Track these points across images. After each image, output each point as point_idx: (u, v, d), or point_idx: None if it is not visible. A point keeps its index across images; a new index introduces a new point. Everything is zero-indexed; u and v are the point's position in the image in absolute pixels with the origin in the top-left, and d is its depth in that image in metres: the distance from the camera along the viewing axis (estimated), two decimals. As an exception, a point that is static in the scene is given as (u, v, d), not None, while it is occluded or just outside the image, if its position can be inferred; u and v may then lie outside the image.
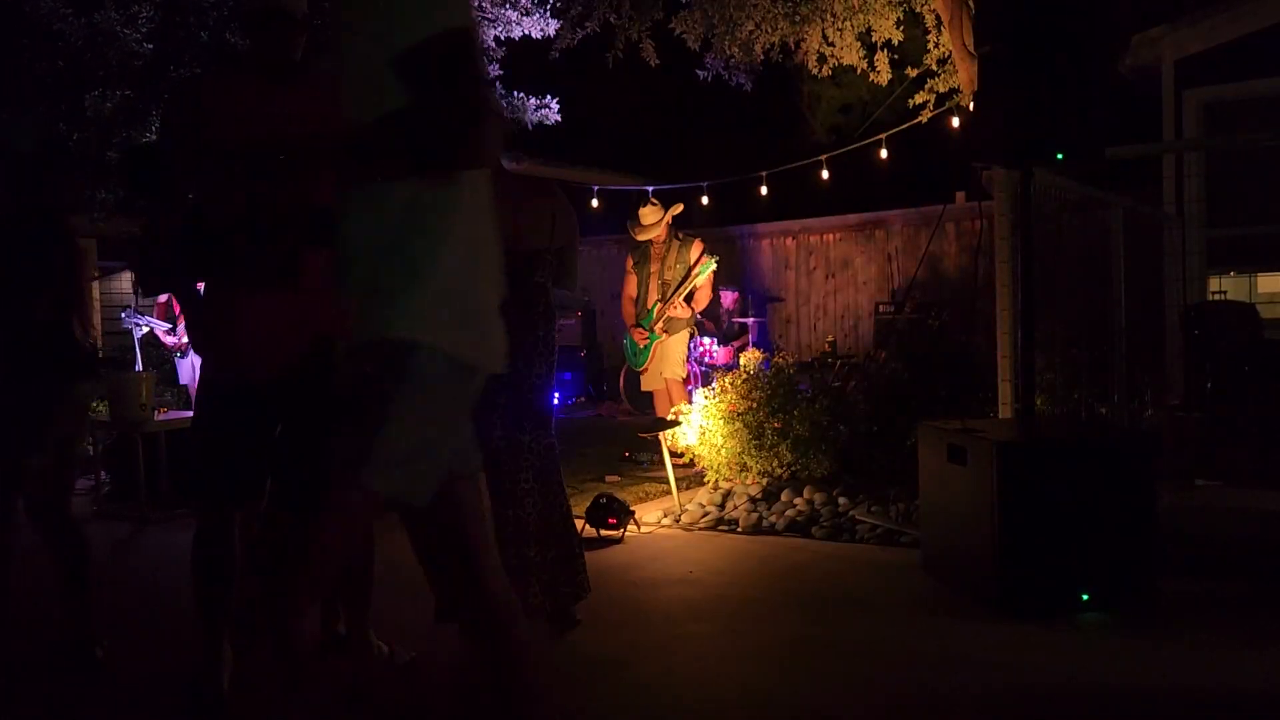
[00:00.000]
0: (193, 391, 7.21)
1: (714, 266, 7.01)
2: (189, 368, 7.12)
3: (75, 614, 3.46)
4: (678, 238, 7.08)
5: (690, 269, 6.93)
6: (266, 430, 3.10)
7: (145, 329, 7.13)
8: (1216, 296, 7.51)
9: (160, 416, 6.10)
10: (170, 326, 7.06)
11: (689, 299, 7.06)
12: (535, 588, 3.54)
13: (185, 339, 7.05)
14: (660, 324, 7.02)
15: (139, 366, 7.12)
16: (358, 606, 3.14)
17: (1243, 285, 8.02)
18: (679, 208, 7.16)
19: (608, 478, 6.56)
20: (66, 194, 3.58)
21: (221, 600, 3.07)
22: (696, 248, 7.02)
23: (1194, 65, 7.98)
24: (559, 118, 9.36)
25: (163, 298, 7.26)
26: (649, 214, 7.05)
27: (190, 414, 6.50)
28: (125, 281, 10.18)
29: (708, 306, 7.62)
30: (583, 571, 3.70)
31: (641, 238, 7.09)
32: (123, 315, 7.07)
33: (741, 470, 5.85)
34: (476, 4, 8.70)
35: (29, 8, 6.89)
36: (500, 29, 8.97)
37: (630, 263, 7.24)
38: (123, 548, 5.38)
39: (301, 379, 3.01)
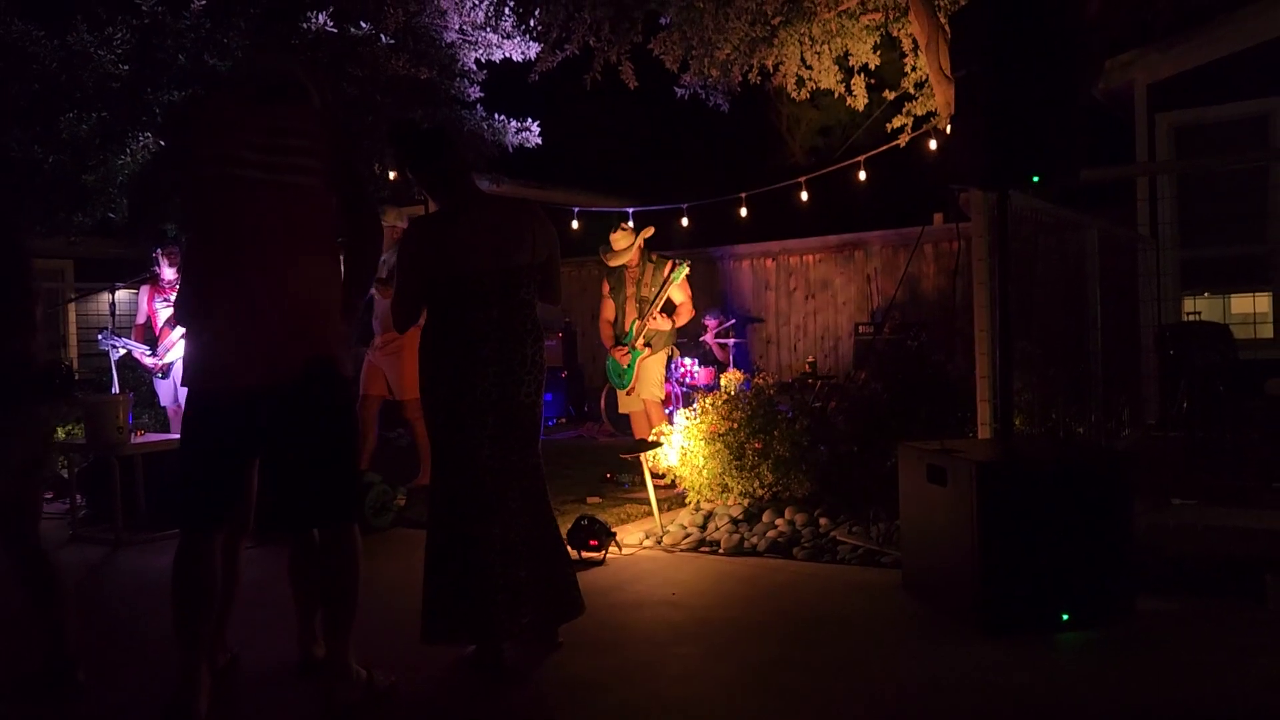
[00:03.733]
0: (171, 414, 7.18)
1: (686, 270, 7.02)
2: (170, 389, 7.07)
3: (50, 639, 3.41)
4: (651, 260, 7.08)
5: (665, 281, 6.95)
6: (251, 451, 3.08)
7: (122, 351, 7.07)
8: (1191, 317, 7.60)
9: (137, 439, 6.04)
10: (149, 349, 7.01)
11: (669, 310, 7.06)
12: (525, 609, 3.52)
13: (165, 360, 6.99)
14: (641, 340, 7.02)
15: (115, 389, 7.05)
16: (339, 631, 3.11)
17: (1216, 306, 8.12)
18: (650, 231, 7.17)
19: (589, 499, 6.54)
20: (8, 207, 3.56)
21: (201, 623, 3.04)
22: (669, 266, 7.03)
23: (1165, 89, 8.12)
24: (539, 140, 9.39)
25: (140, 319, 7.21)
26: (620, 239, 7.05)
27: (168, 436, 6.48)
28: (103, 303, 10.12)
29: (688, 324, 7.63)
30: (575, 589, 3.70)
31: (614, 263, 7.08)
32: (100, 337, 7.02)
33: (723, 491, 5.85)
34: (458, 27, 8.74)
35: (1, 30, 6.86)
36: (481, 52, 8.99)
37: (606, 288, 7.24)
38: (98, 571, 5.32)
39: (293, 397, 3.00)
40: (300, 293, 3.00)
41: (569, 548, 4.95)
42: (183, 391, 6.91)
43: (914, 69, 8.94)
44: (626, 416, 7.58)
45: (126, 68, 7.02)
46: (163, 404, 7.21)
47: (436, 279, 3.51)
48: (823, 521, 5.30)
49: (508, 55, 9.11)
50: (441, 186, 3.62)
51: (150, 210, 3.45)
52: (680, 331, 7.42)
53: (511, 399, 3.53)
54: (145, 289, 7.20)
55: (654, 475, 5.94)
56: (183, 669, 3.01)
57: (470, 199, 3.62)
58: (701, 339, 10.78)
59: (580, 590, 3.73)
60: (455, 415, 3.49)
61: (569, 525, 5.11)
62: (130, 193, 6.91)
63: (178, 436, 3.18)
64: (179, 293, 3.32)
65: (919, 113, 9.23)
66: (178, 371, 7.02)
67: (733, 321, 10.97)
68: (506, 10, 8.85)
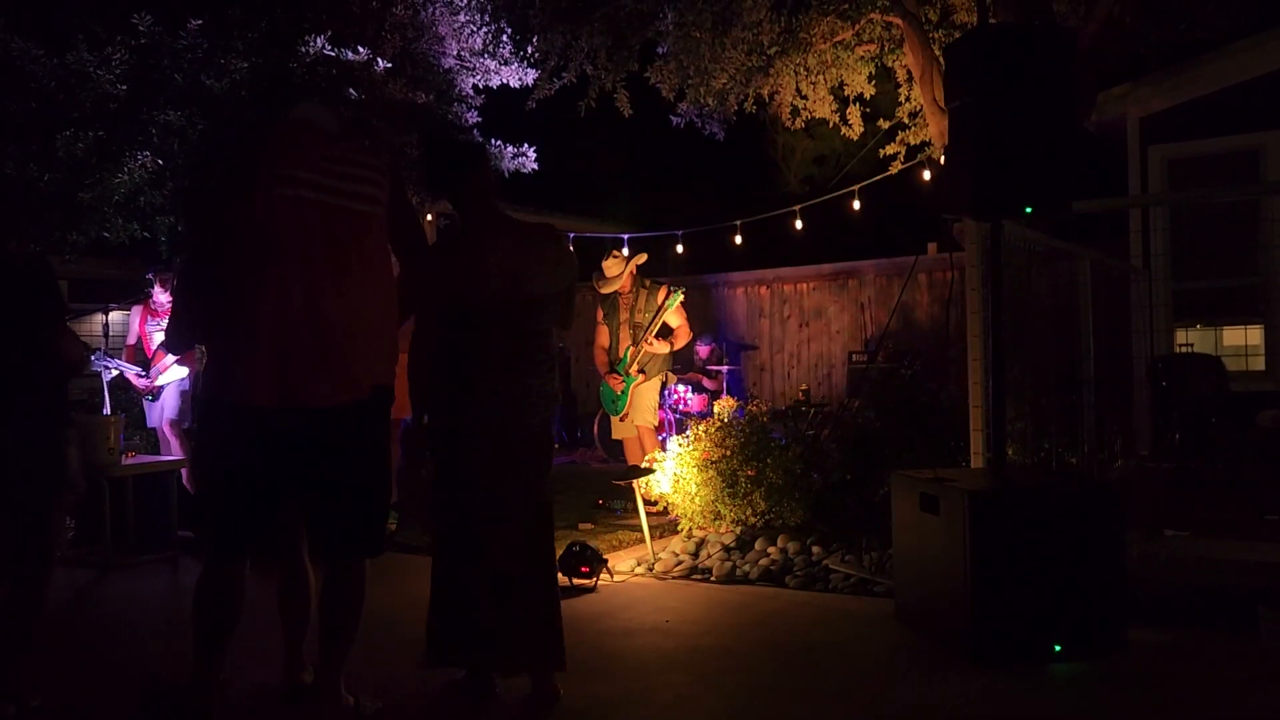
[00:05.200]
0: (161, 435, 7.14)
1: (681, 297, 7.03)
2: (159, 411, 7.04)
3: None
4: (644, 286, 7.10)
5: (659, 308, 6.96)
6: (290, 475, 3.02)
7: (115, 372, 7.05)
8: (1183, 349, 7.62)
9: (128, 461, 6.00)
10: (140, 370, 6.99)
11: (665, 335, 7.07)
12: (517, 647, 3.37)
13: (156, 382, 6.97)
14: (635, 366, 7.02)
15: (107, 410, 7.02)
16: (334, 659, 3.08)
17: (1208, 338, 8.15)
18: (642, 257, 7.19)
19: (581, 525, 6.51)
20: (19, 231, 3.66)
21: (222, 647, 3.03)
22: (663, 292, 7.04)
23: (1158, 122, 8.18)
24: (536, 165, 9.43)
25: (131, 340, 7.19)
26: (612, 265, 7.06)
27: (159, 458, 6.44)
28: (95, 324, 10.09)
29: (682, 351, 7.62)
30: (559, 640, 3.45)
31: (606, 290, 7.09)
32: (92, 358, 6.99)
33: (715, 518, 5.83)
34: (455, 53, 8.79)
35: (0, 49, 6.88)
36: (479, 78, 9.04)
37: (600, 314, 7.24)
38: (88, 595, 5.28)
39: (347, 421, 2.98)
40: (367, 316, 3.00)
41: (561, 574, 4.94)
42: (171, 411, 6.95)
43: (908, 99, 9.00)
44: (620, 442, 7.57)
45: (124, 88, 7.05)
46: (151, 425, 7.17)
47: (448, 302, 3.40)
48: (815, 550, 5.28)
49: (505, 81, 9.16)
50: (468, 204, 3.50)
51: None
52: (674, 358, 7.42)
53: (513, 431, 3.38)
54: (137, 310, 7.19)
55: (646, 502, 5.92)
56: (196, 689, 3.01)
57: (494, 221, 3.49)
58: (687, 375, 10.77)
59: (564, 644, 3.46)
60: (451, 443, 3.41)
61: (561, 551, 5.09)
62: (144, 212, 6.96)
63: (167, 459, 3.16)
64: (179, 316, 3.31)
65: (913, 142, 9.28)
66: (169, 394, 6.99)
67: (716, 345, 10.99)
68: (504, 37, 8.90)
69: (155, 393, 7.00)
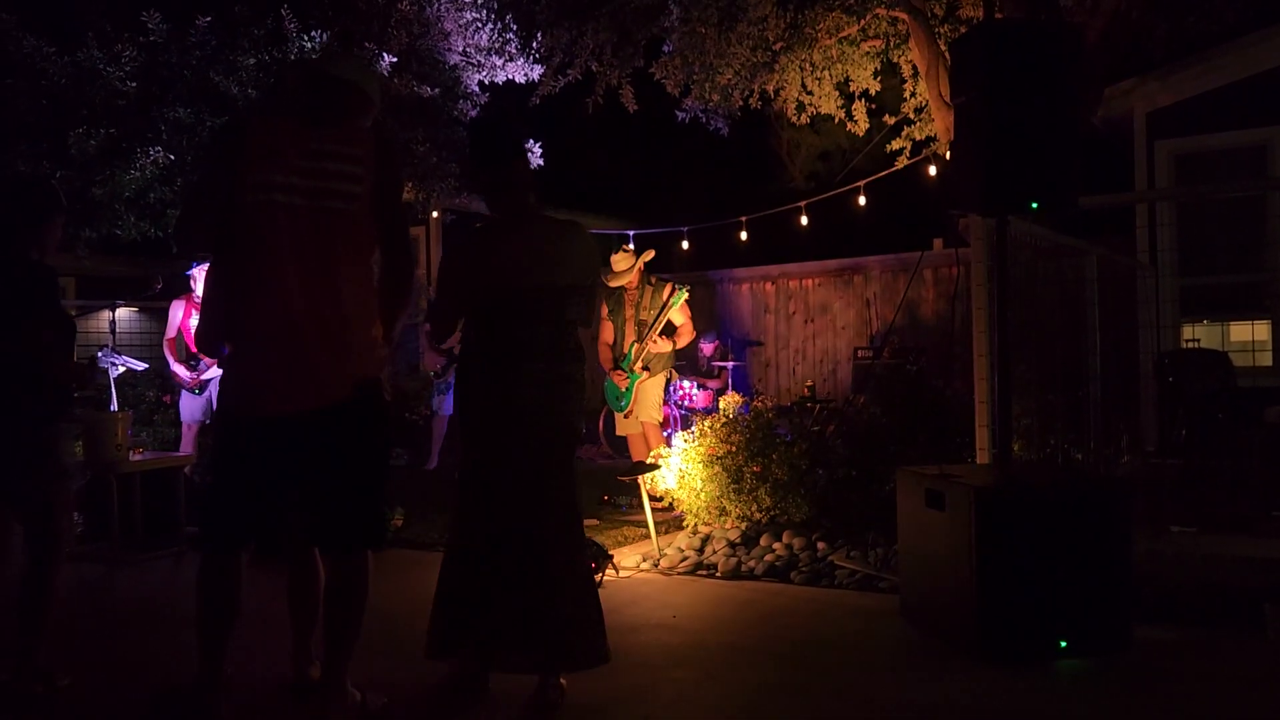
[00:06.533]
0: (186, 430, 7.15)
1: (686, 295, 7.03)
2: (204, 403, 7.03)
3: (24, 644, 3.49)
4: (650, 283, 7.10)
5: (664, 305, 6.96)
6: (290, 475, 3.06)
7: (121, 369, 7.06)
8: (1190, 344, 7.61)
9: (136, 457, 6.03)
10: (191, 362, 7.00)
11: (669, 333, 7.06)
12: (534, 644, 3.33)
13: (203, 376, 6.97)
14: (639, 363, 7.02)
15: (114, 406, 7.04)
16: (339, 654, 3.09)
17: (1215, 333, 8.13)
18: (650, 254, 7.19)
19: (586, 521, 6.49)
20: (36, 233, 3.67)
21: (224, 635, 3.06)
22: (668, 289, 7.04)
23: (1165, 117, 8.17)
24: (541, 161, 9.44)
25: (171, 333, 7.20)
26: (621, 260, 7.06)
27: (166, 454, 6.45)
28: (103, 320, 10.12)
29: (686, 349, 7.62)
30: (600, 635, 3.41)
31: (614, 284, 7.09)
32: (100, 354, 7.00)
33: (720, 514, 5.84)
34: (461, 49, 8.81)
35: (11, 47, 6.93)
36: (484, 74, 9.06)
37: (605, 310, 7.24)
38: (95, 591, 5.30)
39: (335, 420, 2.99)
40: (341, 316, 2.99)
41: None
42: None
43: (914, 95, 9.00)
44: (624, 439, 7.58)
45: (134, 85, 7.08)
46: (186, 418, 7.17)
47: (483, 291, 3.41)
48: (820, 546, 5.28)
49: (511, 77, 9.18)
50: (502, 194, 3.50)
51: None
52: (678, 354, 7.42)
53: (550, 419, 3.41)
54: (180, 303, 7.17)
55: (652, 498, 5.93)
56: (201, 681, 3.03)
57: (527, 214, 3.52)
58: (703, 361, 10.78)
59: (606, 638, 3.43)
60: (488, 432, 3.39)
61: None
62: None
63: (174, 454, 3.19)
64: (202, 318, 3.34)
65: (918, 137, 9.28)
66: (214, 389, 7.00)
67: (720, 342, 11.00)
68: (510, 34, 8.92)
69: (201, 386, 7.02)
